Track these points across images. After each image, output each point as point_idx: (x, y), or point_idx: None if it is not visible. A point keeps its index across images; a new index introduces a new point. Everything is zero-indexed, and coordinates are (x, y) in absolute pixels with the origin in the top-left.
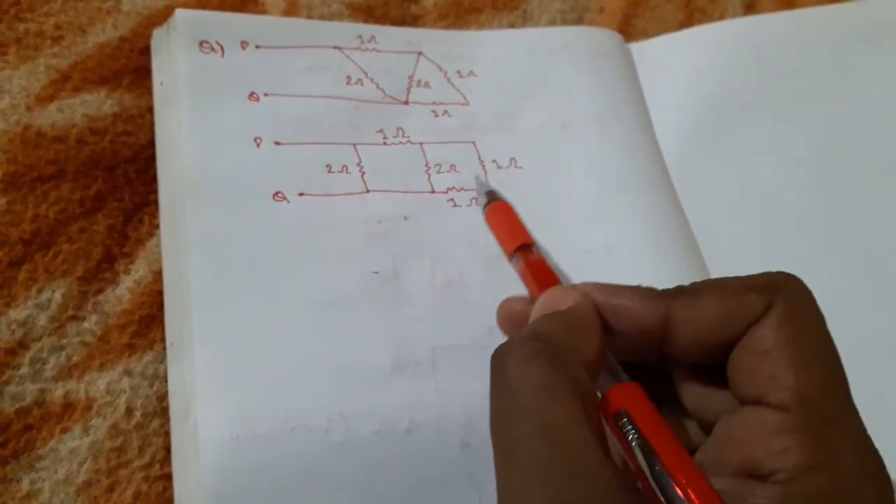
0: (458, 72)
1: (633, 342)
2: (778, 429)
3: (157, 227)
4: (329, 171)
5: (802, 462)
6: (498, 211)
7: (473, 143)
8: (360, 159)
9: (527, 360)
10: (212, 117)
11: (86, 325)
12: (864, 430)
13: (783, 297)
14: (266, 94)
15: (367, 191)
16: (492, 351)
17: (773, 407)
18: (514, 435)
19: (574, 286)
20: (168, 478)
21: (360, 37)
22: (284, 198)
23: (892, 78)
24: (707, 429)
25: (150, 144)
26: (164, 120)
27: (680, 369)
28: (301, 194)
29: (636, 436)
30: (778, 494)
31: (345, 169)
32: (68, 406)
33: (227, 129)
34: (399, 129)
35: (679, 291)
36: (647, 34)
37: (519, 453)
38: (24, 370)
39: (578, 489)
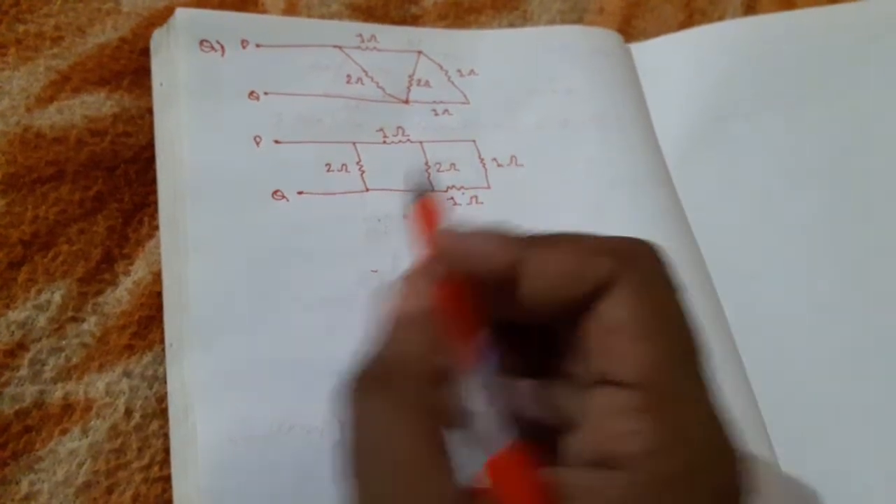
0: (459, 70)
1: (486, 289)
2: (625, 409)
3: (156, 228)
4: (328, 170)
5: (649, 445)
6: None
7: (474, 141)
8: (359, 158)
9: (362, 392)
10: (212, 116)
11: (85, 326)
12: (712, 405)
13: (633, 268)
14: (266, 93)
15: (367, 189)
16: None
17: (620, 386)
18: (366, 468)
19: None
20: (167, 479)
21: (360, 35)
22: (284, 196)
23: (892, 78)
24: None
25: (150, 145)
26: (164, 121)
27: (563, 331)
28: (300, 193)
29: None
30: (623, 482)
31: (344, 168)
32: (67, 407)
33: (227, 128)
34: (399, 127)
35: (534, 239)
36: (646, 35)
37: (364, 485)
38: (23, 371)
39: None
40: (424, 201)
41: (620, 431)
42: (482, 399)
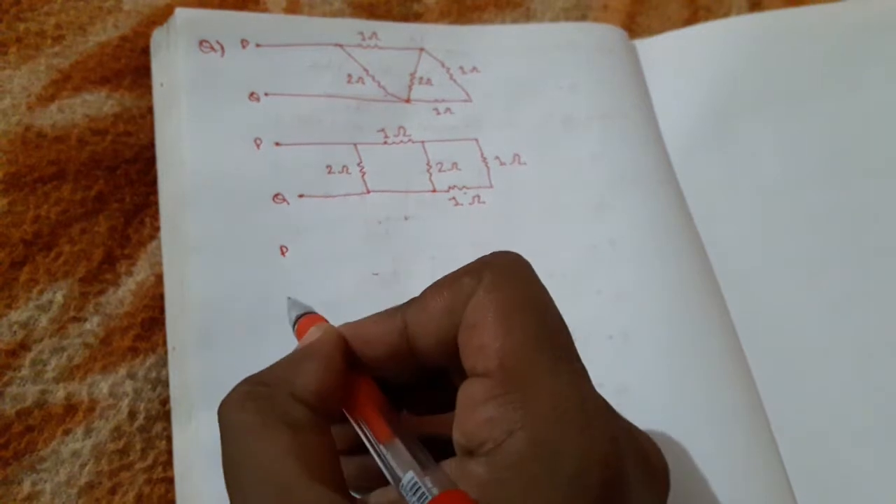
0: (461, 68)
1: (393, 366)
2: (483, 398)
3: (158, 229)
4: (329, 172)
5: (504, 428)
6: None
7: (476, 140)
8: (360, 159)
9: (234, 406)
10: (212, 118)
11: (87, 326)
12: (568, 381)
13: (489, 271)
14: (266, 94)
15: (368, 191)
16: None
17: (479, 376)
18: (233, 481)
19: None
20: (170, 481)
21: (361, 33)
22: (284, 200)
23: None
24: None
25: (151, 145)
26: (165, 121)
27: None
28: (301, 196)
29: None
30: (483, 469)
31: (345, 169)
32: (70, 408)
33: (227, 129)
34: (400, 127)
35: (411, 301)
36: (651, 32)
37: (238, 498)
38: (24, 371)
39: None
40: (309, 317)
41: (479, 420)
42: (406, 463)
